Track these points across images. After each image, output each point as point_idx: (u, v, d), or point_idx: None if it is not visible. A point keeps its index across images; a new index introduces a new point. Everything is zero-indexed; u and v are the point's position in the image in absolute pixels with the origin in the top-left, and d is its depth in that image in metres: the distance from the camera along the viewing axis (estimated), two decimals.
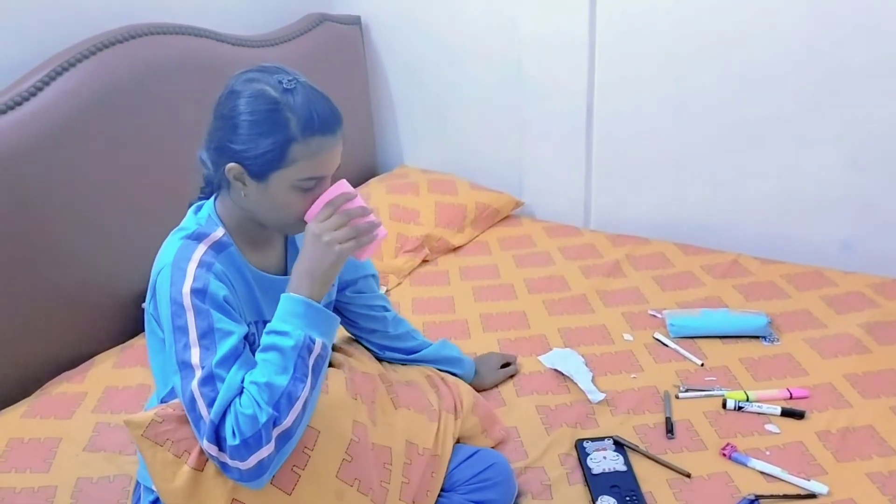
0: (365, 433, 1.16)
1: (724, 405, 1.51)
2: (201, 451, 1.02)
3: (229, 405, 0.96)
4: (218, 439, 0.96)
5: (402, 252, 2.17)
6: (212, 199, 1.13)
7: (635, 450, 1.40)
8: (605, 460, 1.37)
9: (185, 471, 1.02)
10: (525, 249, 2.29)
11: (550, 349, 1.75)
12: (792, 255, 2.10)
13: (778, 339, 1.72)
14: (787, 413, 1.47)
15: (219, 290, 1.02)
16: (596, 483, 1.32)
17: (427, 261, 2.23)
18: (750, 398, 1.51)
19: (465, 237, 2.34)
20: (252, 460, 0.95)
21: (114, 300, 1.80)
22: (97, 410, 1.55)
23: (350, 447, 1.12)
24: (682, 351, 1.71)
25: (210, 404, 0.96)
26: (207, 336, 0.98)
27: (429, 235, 2.23)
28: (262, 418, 0.95)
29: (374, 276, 1.42)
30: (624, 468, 1.35)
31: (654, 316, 1.86)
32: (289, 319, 1.00)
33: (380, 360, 1.45)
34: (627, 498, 1.28)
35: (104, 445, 1.45)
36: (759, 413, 1.48)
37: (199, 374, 0.97)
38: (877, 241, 2.04)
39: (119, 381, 1.64)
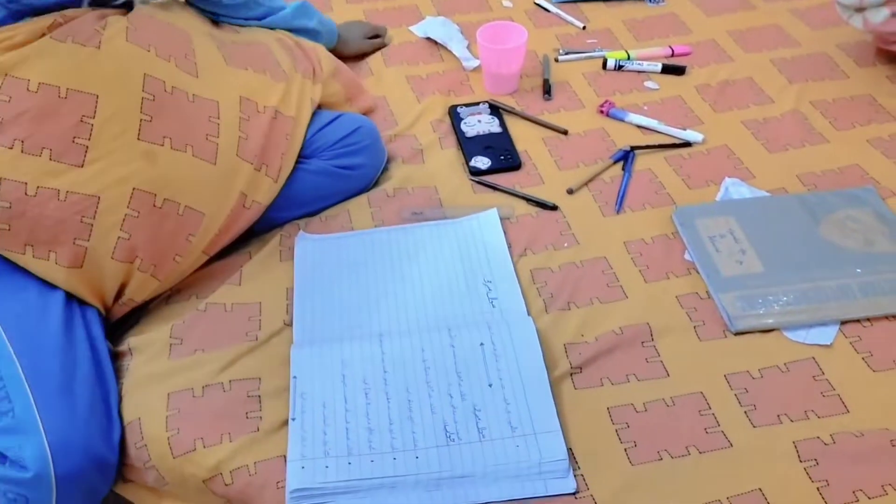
0: (163, 88, 0.99)
1: (604, 65, 1.42)
2: None
3: None
4: None
5: None
6: None
7: (511, 112, 1.32)
8: (479, 124, 1.29)
9: None
10: None
11: (423, 18, 1.58)
12: None
13: (663, 0, 1.61)
14: (667, 70, 1.40)
15: None
16: (469, 145, 1.24)
17: None
18: (631, 57, 1.43)
19: None
20: None
21: None
22: None
23: (144, 106, 0.96)
24: (563, 15, 1.57)
25: None
26: None
27: None
28: None
29: None
30: (499, 130, 1.27)
31: None
32: None
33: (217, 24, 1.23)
34: (502, 157, 1.22)
35: None
36: (639, 71, 1.41)
37: None
38: None
39: None
